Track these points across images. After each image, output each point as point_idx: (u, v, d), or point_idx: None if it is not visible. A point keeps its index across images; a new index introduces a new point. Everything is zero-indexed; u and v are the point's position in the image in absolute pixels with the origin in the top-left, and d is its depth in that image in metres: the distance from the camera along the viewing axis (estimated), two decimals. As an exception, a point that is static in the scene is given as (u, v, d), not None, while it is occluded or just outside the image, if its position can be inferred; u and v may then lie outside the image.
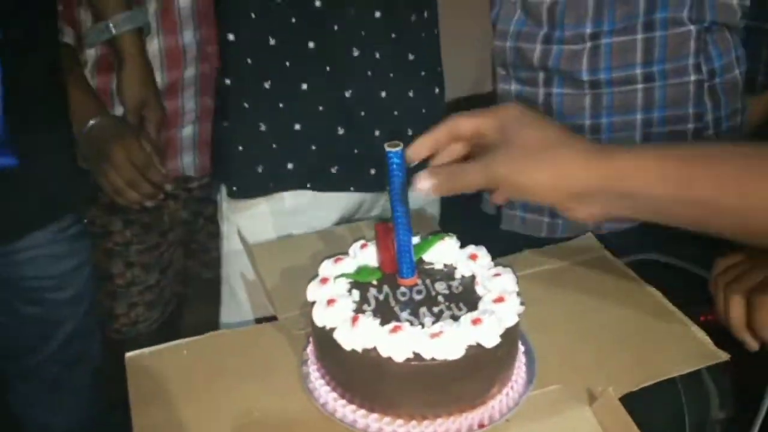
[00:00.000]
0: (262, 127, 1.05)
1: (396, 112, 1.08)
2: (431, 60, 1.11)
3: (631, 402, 0.67)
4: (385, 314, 0.69)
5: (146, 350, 0.79)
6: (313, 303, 0.71)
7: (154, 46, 1.21)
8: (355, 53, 1.04)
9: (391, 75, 1.07)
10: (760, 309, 0.77)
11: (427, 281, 0.74)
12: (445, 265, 0.77)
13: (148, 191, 1.13)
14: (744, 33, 1.09)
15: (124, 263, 1.37)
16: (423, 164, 0.70)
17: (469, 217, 1.01)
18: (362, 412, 0.68)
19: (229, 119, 1.07)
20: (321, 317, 0.69)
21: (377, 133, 1.08)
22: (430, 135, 0.70)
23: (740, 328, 0.78)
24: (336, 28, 1.02)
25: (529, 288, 0.75)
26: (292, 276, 0.89)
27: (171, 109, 1.25)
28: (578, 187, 0.63)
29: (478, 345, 0.65)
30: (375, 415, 0.68)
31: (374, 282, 0.74)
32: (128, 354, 0.78)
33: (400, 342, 0.64)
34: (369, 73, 1.06)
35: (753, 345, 0.78)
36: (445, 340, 0.64)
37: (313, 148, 1.07)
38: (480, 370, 0.67)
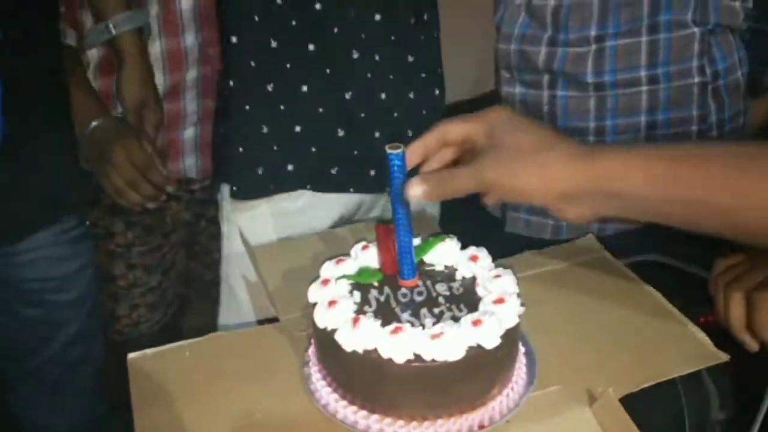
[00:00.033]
0: (264, 129, 1.05)
1: (396, 114, 1.09)
2: (431, 62, 1.11)
3: (631, 403, 0.67)
4: (386, 315, 0.69)
5: (148, 352, 0.79)
6: (315, 304, 0.71)
7: (156, 48, 1.21)
8: (355, 55, 1.04)
9: (391, 77, 1.07)
10: (760, 309, 0.77)
11: (428, 282, 0.74)
12: (446, 267, 0.77)
13: (149, 192, 1.13)
14: (747, 35, 1.09)
15: (126, 265, 1.37)
16: (415, 171, 0.70)
17: (469, 218, 1.00)
18: (363, 413, 0.68)
19: (230, 121, 1.08)
20: (322, 318, 0.70)
21: (377, 134, 1.08)
22: (420, 141, 0.70)
23: (740, 328, 0.79)
24: (336, 30, 1.03)
25: (530, 289, 0.75)
26: (293, 277, 0.90)
27: (173, 112, 1.25)
28: (567, 189, 0.63)
29: (479, 346, 0.65)
30: (376, 416, 0.68)
31: (375, 283, 0.75)
32: (130, 355, 0.78)
33: (401, 343, 0.65)
34: (369, 74, 1.06)
35: (753, 346, 0.78)
36: (445, 341, 0.64)
37: (314, 149, 1.07)
38: (480, 371, 0.67)
